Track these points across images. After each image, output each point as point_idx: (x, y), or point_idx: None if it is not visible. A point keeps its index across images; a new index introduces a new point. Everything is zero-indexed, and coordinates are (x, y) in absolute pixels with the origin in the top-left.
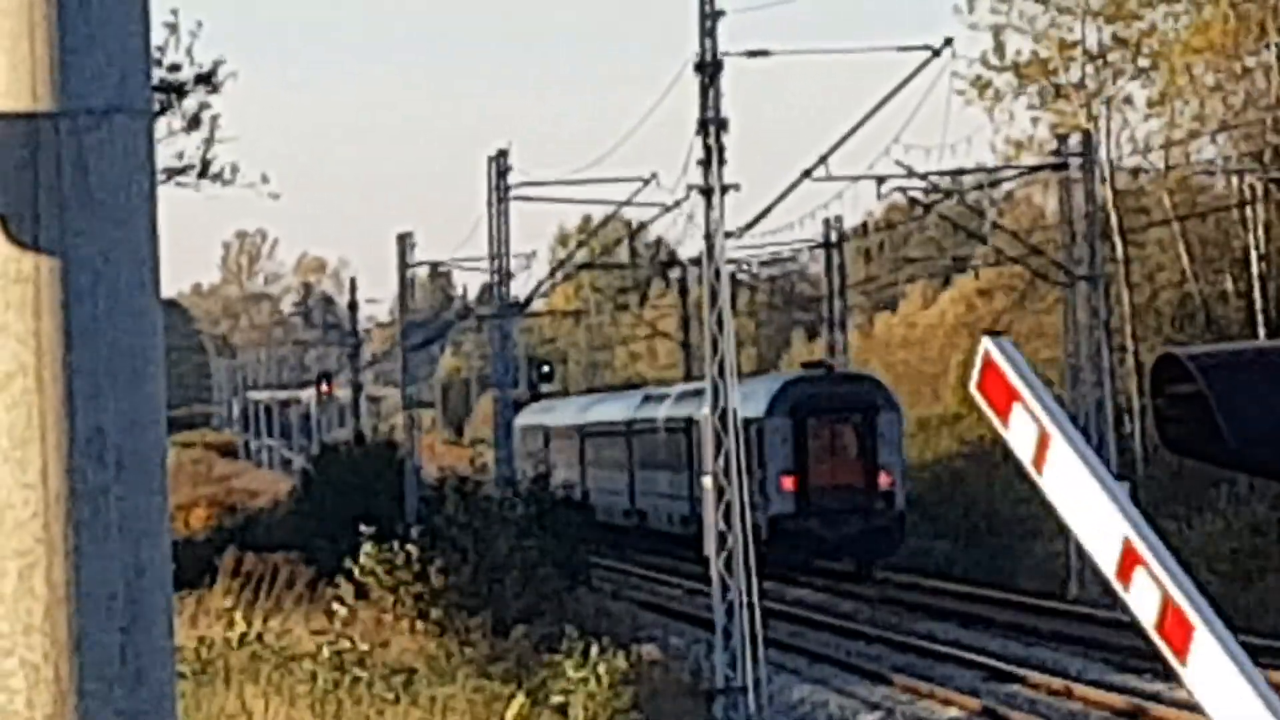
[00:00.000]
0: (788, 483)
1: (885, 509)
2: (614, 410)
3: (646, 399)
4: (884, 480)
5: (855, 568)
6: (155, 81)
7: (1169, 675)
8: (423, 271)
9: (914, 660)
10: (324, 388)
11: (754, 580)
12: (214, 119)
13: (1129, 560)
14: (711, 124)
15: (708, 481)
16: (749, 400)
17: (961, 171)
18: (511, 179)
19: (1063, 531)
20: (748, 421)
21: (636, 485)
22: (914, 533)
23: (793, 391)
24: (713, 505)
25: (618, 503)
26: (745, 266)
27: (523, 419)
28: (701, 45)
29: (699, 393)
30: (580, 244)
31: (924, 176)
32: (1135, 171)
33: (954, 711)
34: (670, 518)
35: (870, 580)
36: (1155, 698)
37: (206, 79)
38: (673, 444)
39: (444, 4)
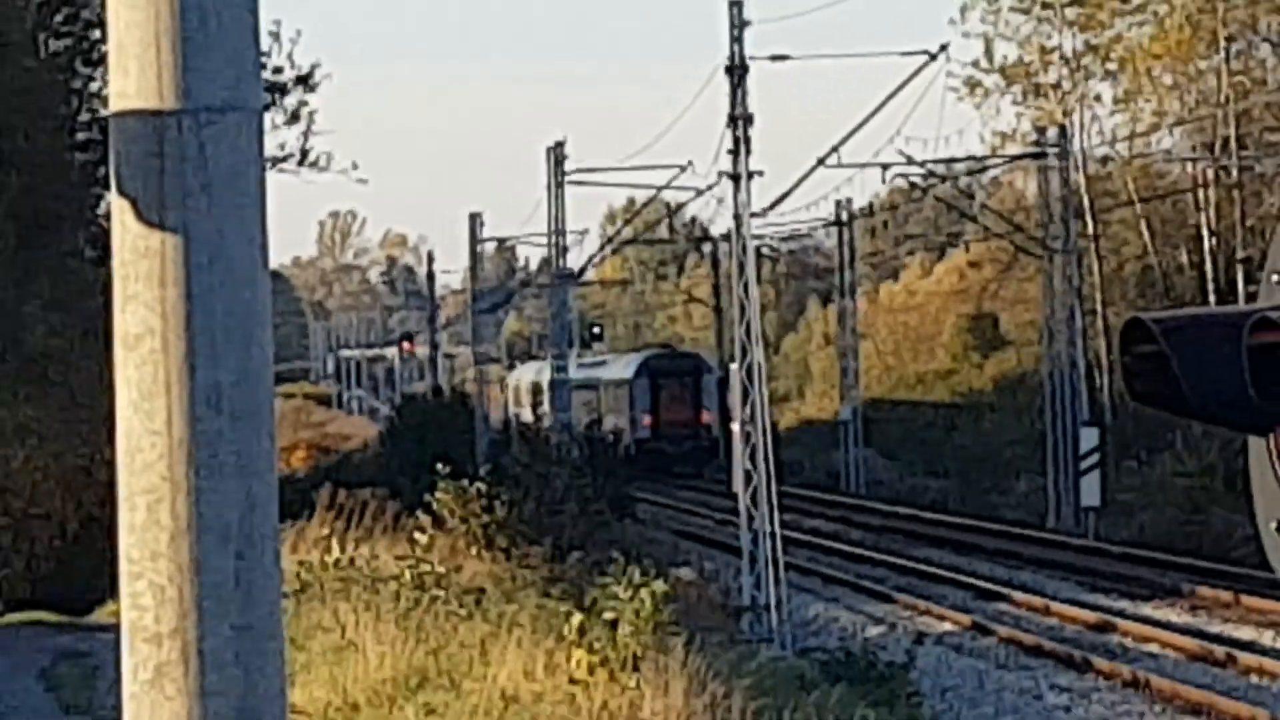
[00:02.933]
0: (646, 419)
1: (705, 436)
2: (525, 374)
3: (586, 364)
4: (705, 417)
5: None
6: (262, 80)
7: (1133, 595)
8: (490, 246)
9: (913, 581)
10: (405, 346)
11: (775, 512)
12: (311, 114)
13: None
14: (739, 119)
15: (736, 428)
16: (626, 367)
17: (954, 160)
18: (567, 166)
19: (1042, 470)
20: (624, 381)
21: (545, 412)
22: (911, 472)
23: (651, 362)
24: (742, 448)
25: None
26: (768, 242)
27: (515, 374)
28: (731, 51)
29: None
30: (626, 222)
31: (922, 164)
32: (1104, 160)
33: (948, 626)
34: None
35: (872, 511)
36: (1121, 614)
37: (305, 80)
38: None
39: (511, 15)
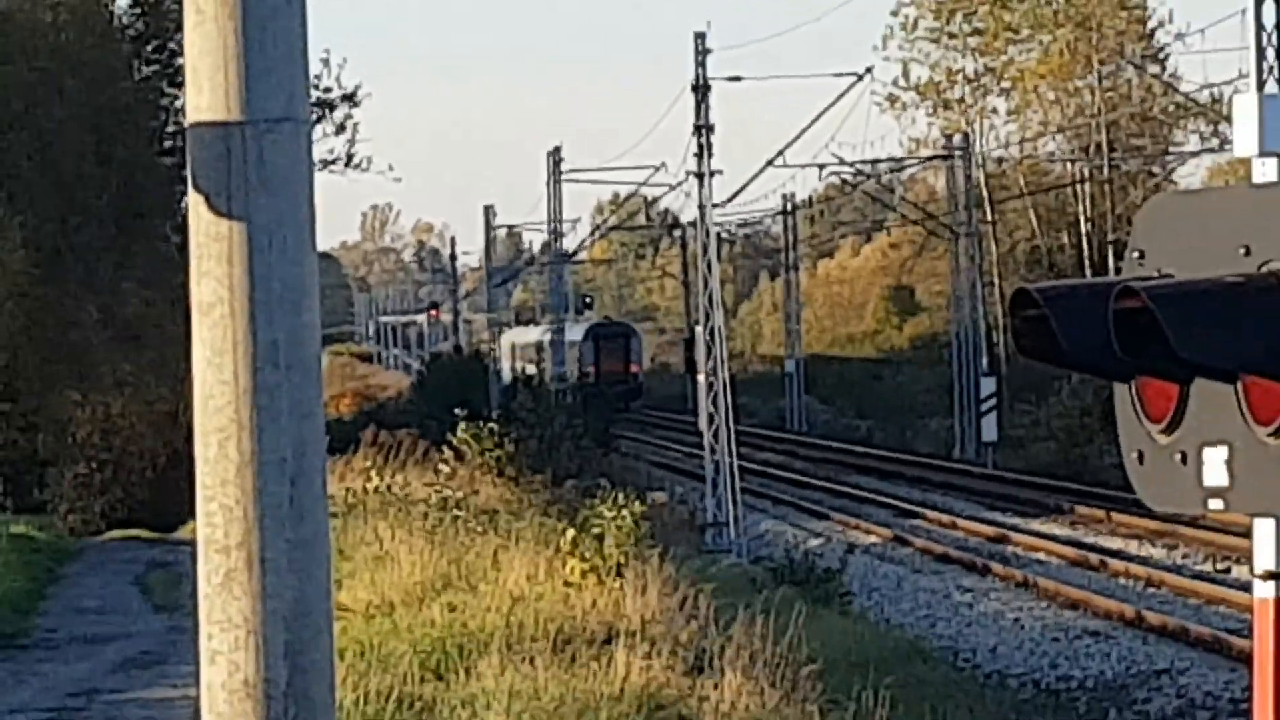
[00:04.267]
0: (591, 370)
1: (634, 381)
2: (534, 333)
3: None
4: (633, 369)
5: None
6: (313, 99)
7: (1024, 513)
8: (502, 232)
9: (845, 503)
10: (432, 313)
11: (733, 446)
12: (355, 125)
13: None
14: (703, 128)
15: (701, 378)
16: (577, 331)
17: (878, 160)
18: (564, 166)
19: (950, 412)
20: (575, 341)
21: (546, 367)
22: (843, 414)
23: (595, 328)
24: (705, 395)
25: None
26: (727, 228)
27: (507, 336)
28: (696, 73)
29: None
30: (611, 212)
31: (852, 164)
32: (999, 160)
33: (873, 538)
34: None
35: (812, 445)
36: (1014, 528)
37: (350, 97)
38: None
39: (520, 37)
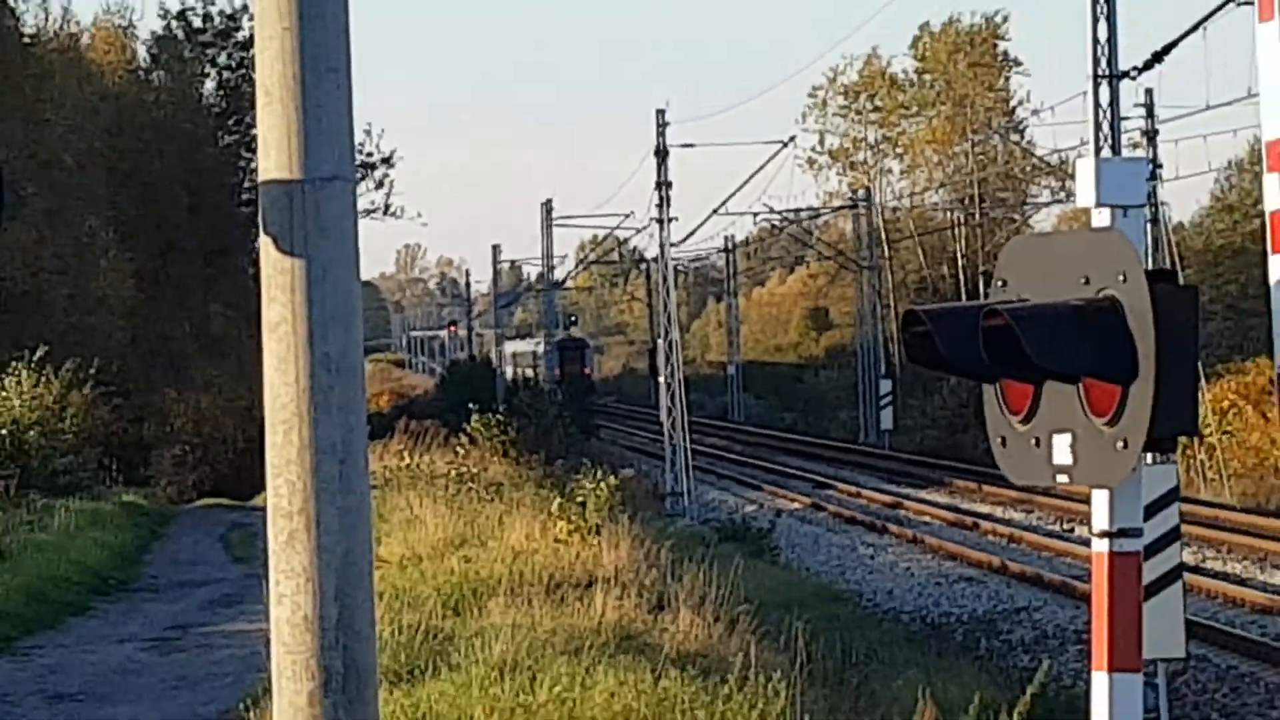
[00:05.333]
0: (556, 372)
1: (589, 379)
2: (529, 344)
3: (543, 341)
4: (586, 371)
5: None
6: (357, 161)
7: (914, 485)
8: (506, 265)
9: (775, 477)
10: (451, 329)
11: (686, 434)
12: (390, 182)
13: None
14: (662, 184)
15: (662, 380)
16: (543, 345)
17: (799, 210)
18: (554, 214)
19: (856, 406)
20: (544, 353)
21: (541, 371)
22: (773, 407)
23: (562, 341)
24: (664, 393)
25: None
26: (682, 263)
27: (507, 346)
28: (657, 141)
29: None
30: (591, 249)
31: (779, 213)
32: (894, 209)
33: (796, 505)
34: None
35: (748, 433)
36: (906, 497)
37: (386, 160)
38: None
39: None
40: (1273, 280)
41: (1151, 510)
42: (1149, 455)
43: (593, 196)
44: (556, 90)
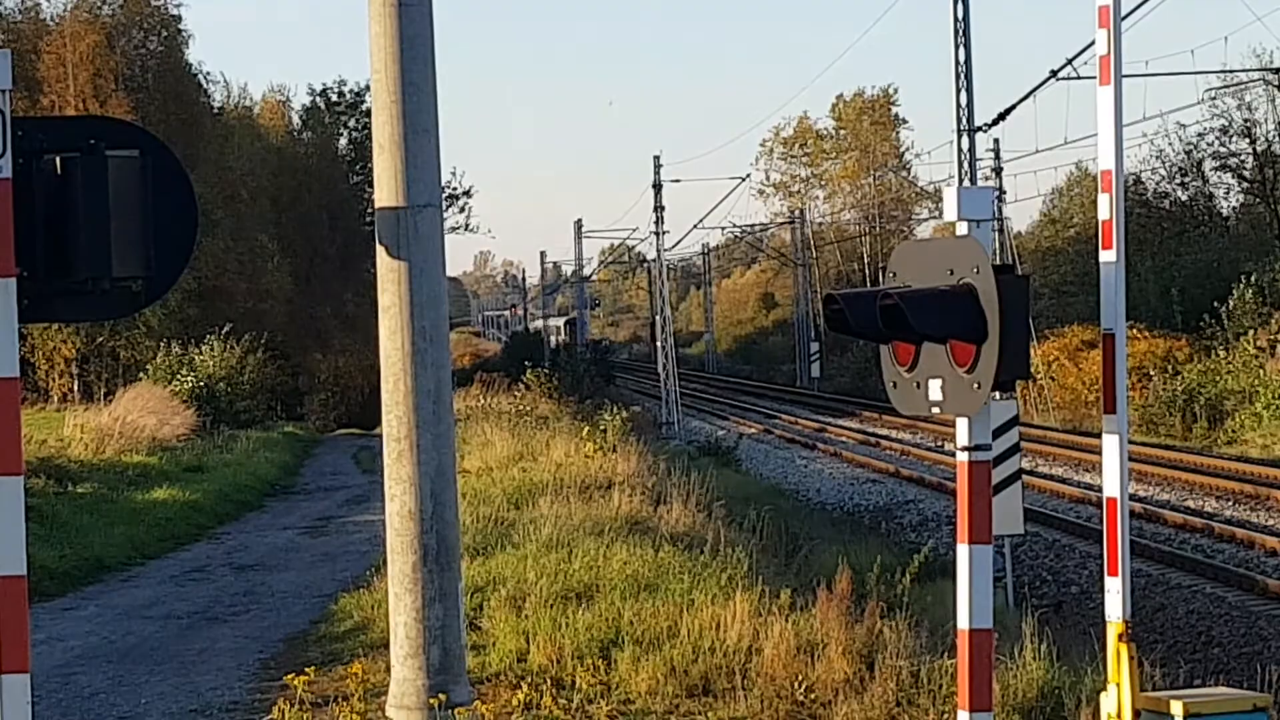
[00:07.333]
0: (566, 338)
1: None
2: (563, 320)
3: (565, 320)
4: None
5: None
6: (444, 193)
7: (835, 415)
8: (550, 265)
9: (738, 411)
10: (512, 310)
11: (676, 381)
12: (470, 208)
13: None
14: (658, 208)
15: (659, 344)
16: (559, 320)
17: (754, 225)
18: (584, 228)
19: (794, 361)
20: (561, 326)
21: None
22: (737, 362)
23: (567, 320)
24: (660, 353)
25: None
26: (671, 262)
27: (550, 321)
28: (654, 177)
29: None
30: (610, 253)
31: (740, 227)
32: (820, 224)
33: (753, 430)
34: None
35: (720, 381)
36: (829, 424)
37: (467, 193)
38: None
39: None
40: (1102, 269)
41: (998, 432)
42: (996, 393)
43: (611, 216)
44: (587, 144)
